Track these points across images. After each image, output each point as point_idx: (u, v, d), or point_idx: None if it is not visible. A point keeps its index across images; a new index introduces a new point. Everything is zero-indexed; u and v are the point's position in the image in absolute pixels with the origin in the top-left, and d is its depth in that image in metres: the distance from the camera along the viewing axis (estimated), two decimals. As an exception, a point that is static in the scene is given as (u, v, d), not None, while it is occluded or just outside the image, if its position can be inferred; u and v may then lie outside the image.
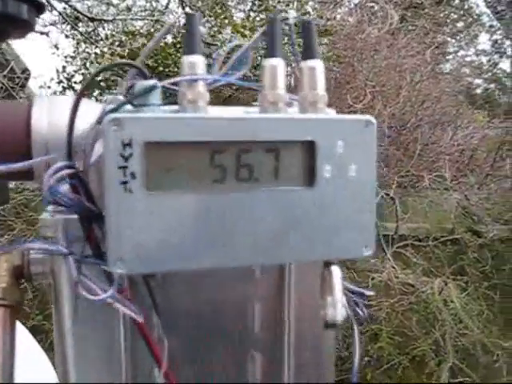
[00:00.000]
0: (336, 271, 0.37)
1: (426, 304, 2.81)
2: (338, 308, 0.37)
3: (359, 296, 0.46)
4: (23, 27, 0.58)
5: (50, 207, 0.41)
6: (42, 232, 0.40)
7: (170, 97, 0.34)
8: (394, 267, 2.83)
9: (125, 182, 0.30)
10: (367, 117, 0.34)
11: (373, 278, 2.75)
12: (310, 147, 0.33)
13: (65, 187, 0.34)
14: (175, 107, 0.34)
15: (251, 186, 0.32)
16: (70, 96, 0.41)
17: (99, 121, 0.32)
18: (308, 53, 0.35)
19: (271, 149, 0.33)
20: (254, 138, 0.32)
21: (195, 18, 0.34)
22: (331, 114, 0.37)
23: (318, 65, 0.35)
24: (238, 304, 0.42)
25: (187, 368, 0.41)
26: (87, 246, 0.35)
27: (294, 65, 0.36)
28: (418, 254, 3.02)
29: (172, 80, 0.33)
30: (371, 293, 0.50)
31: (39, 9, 0.58)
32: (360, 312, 0.46)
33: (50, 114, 0.38)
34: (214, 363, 0.42)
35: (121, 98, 0.33)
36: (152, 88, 0.32)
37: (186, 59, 0.33)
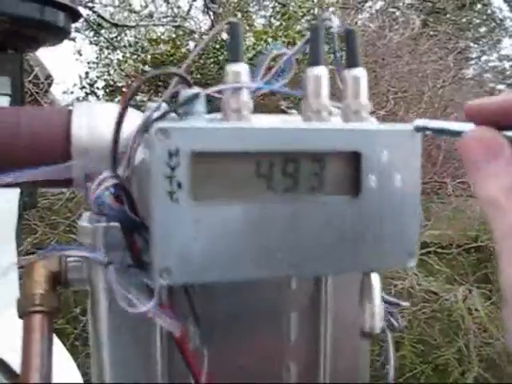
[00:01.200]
0: (376, 279, 0.37)
1: (449, 312, 2.77)
2: (376, 317, 0.37)
3: (394, 306, 0.46)
4: (59, 34, 0.59)
5: (88, 214, 0.41)
6: (80, 239, 0.40)
7: (211, 102, 0.34)
8: (416, 274, 2.80)
9: (171, 192, 0.29)
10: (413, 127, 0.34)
11: (395, 285, 2.73)
12: (355, 157, 0.33)
13: (106, 195, 0.34)
14: (218, 115, 0.34)
15: (296, 195, 0.32)
16: (109, 103, 0.41)
17: (143, 128, 0.32)
18: (351, 61, 0.35)
19: (316, 159, 0.32)
20: (300, 147, 0.32)
21: (238, 27, 0.34)
22: (374, 122, 0.36)
23: (361, 73, 0.35)
24: (275, 313, 0.42)
25: (223, 377, 0.40)
26: (128, 255, 0.35)
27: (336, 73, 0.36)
28: (442, 262, 2.98)
29: (216, 88, 0.33)
30: (407, 303, 0.49)
31: (75, 16, 0.58)
32: (394, 322, 0.45)
33: (89, 121, 0.39)
34: (250, 372, 0.42)
35: (164, 105, 0.33)
36: (196, 96, 0.32)
37: (230, 68, 0.33)
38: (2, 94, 0.61)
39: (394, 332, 0.45)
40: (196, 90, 0.32)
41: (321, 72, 0.34)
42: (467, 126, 0.30)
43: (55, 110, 0.40)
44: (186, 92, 0.32)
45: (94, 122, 0.39)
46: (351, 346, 0.43)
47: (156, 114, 0.32)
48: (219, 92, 0.33)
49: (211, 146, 0.30)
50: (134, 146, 0.33)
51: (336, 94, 0.36)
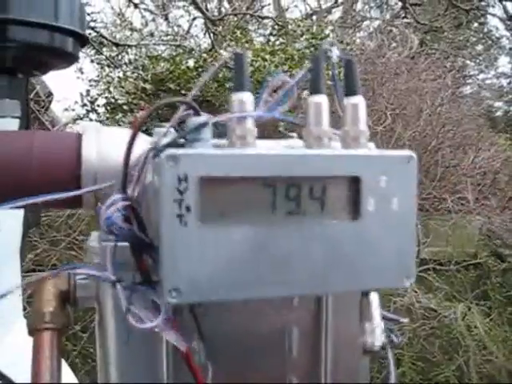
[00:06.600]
0: (375, 298, 0.38)
1: (448, 329, 2.77)
2: (376, 334, 0.38)
3: (393, 322, 0.47)
4: (68, 59, 0.60)
5: (97, 234, 0.42)
6: (88, 259, 0.42)
7: (217, 128, 0.36)
8: (415, 291, 2.80)
9: (180, 215, 0.31)
10: (409, 152, 0.35)
11: (395, 302, 2.73)
12: (354, 182, 0.34)
13: (116, 216, 0.35)
14: (224, 141, 0.36)
15: (299, 218, 0.34)
16: (117, 128, 0.43)
17: (151, 153, 0.34)
18: (350, 89, 0.37)
19: (318, 183, 0.34)
20: (302, 173, 0.33)
21: (243, 56, 0.35)
22: (372, 148, 0.38)
23: (360, 101, 0.37)
24: (276, 330, 0.43)
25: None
26: (136, 274, 0.36)
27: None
28: (441, 278, 2.98)
29: (222, 117, 0.34)
30: (406, 320, 0.51)
31: (83, 42, 0.60)
32: (394, 338, 0.46)
33: (99, 145, 0.40)
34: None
35: (172, 131, 0.35)
36: (204, 125, 0.34)
37: (236, 96, 0.35)
38: (13, 117, 0.63)
39: (394, 348, 0.46)
40: (203, 118, 0.34)
41: (321, 100, 0.36)
42: None
43: (66, 134, 0.42)
44: (194, 120, 0.34)
45: (103, 146, 0.40)
46: (352, 362, 0.44)
47: (164, 140, 0.33)
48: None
49: (218, 171, 0.32)
50: (143, 170, 0.34)
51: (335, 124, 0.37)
